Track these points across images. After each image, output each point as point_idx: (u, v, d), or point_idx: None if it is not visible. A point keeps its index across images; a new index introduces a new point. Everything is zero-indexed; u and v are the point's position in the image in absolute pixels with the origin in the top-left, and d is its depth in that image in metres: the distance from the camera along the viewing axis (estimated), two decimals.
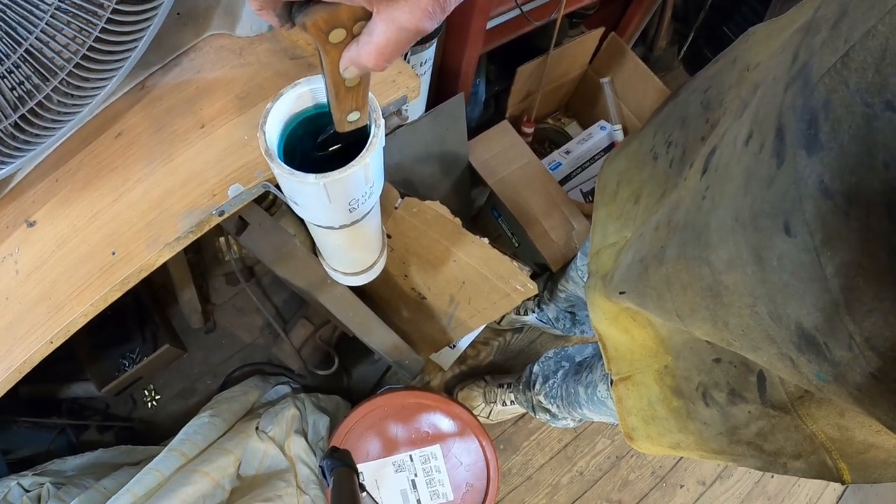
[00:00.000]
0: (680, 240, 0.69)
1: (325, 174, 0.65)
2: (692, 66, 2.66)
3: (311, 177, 0.65)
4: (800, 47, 0.50)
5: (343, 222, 0.81)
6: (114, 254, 0.88)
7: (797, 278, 0.47)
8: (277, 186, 0.87)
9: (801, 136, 0.45)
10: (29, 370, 0.88)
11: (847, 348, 0.45)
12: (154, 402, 1.96)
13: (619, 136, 2.14)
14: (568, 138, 2.29)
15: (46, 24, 0.70)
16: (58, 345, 0.88)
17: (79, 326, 0.88)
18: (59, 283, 0.88)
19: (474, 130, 1.89)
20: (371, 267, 1.12)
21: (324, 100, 0.71)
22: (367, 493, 1.11)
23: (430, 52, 1.25)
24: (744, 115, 0.61)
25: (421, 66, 1.28)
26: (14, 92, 0.75)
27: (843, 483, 0.71)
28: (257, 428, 1.56)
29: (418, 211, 1.26)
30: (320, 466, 1.11)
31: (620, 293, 0.89)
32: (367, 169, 0.68)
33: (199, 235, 0.91)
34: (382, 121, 0.68)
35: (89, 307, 0.86)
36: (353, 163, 0.65)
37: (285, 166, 0.65)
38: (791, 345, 0.52)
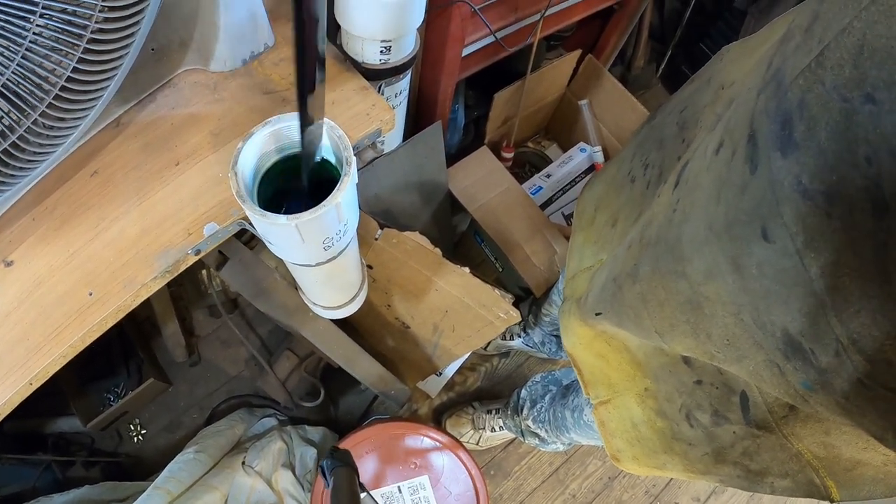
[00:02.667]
0: (653, 255, 0.69)
1: (297, 215, 0.65)
2: (670, 83, 2.69)
3: (282, 218, 0.65)
4: (774, 56, 0.50)
5: (319, 260, 0.81)
6: (91, 294, 0.87)
7: (779, 284, 0.47)
8: (252, 224, 0.87)
9: (775, 139, 0.45)
10: (9, 412, 0.87)
11: (833, 353, 0.45)
12: (140, 437, 1.93)
13: (600, 157, 2.15)
14: (548, 161, 2.29)
15: (22, 57, 0.70)
16: (38, 386, 0.87)
17: (58, 367, 0.87)
18: (37, 323, 0.87)
19: (454, 156, 1.89)
20: (352, 300, 1.12)
21: (297, 136, 0.71)
22: (368, 493, 1.11)
23: (404, 83, 1.25)
24: (716, 128, 0.61)
25: (396, 97, 1.28)
26: None
27: (831, 501, 0.70)
28: (244, 463, 1.54)
29: (398, 242, 1.26)
30: (320, 466, 1.11)
31: (596, 314, 0.89)
32: (340, 208, 0.68)
33: (175, 275, 0.90)
34: (354, 158, 0.68)
35: (68, 348, 0.86)
36: (324, 203, 0.65)
37: (256, 208, 0.65)
38: (777, 351, 0.52)
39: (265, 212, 0.65)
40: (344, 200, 0.68)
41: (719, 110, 0.74)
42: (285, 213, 0.66)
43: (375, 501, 1.15)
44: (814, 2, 0.45)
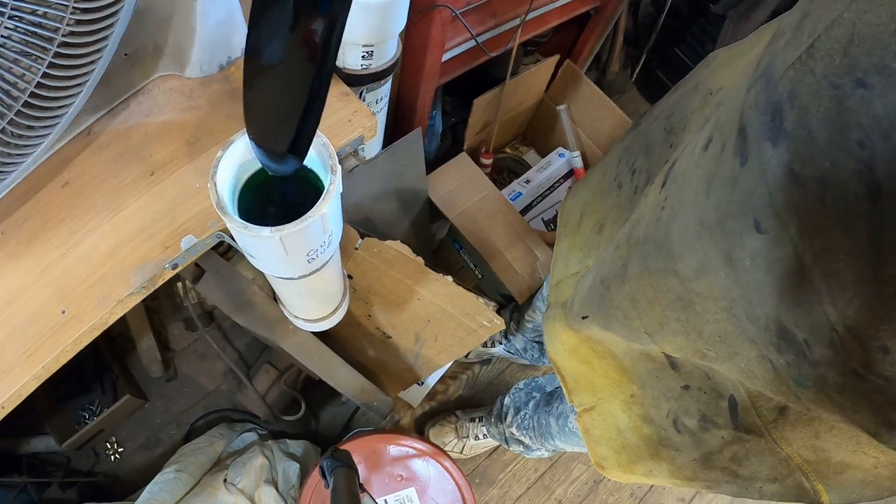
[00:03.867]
0: (641, 254, 0.69)
1: (281, 227, 0.62)
2: (645, 88, 2.70)
3: (265, 230, 0.62)
4: (763, 55, 0.51)
5: (302, 273, 0.78)
6: (64, 312, 0.84)
7: (774, 274, 0.48)
8: (232, 236, 0.84)
9: (765, 130, 0.46)
10: None
11: (828, 343, 0.45)
12: (117, 455, 1.89)
13: (578, 162, 2.14)
14: (527, 167, 2.29)
15: None
16: (10, 409, 0.84)
17: (31, 390, 0.84)
18: (8, 344, 0.84)
19: (432, 163, 1.88)
20: (334, 312, 1.10)
21: None
22: (368, 493, 1.09)
23: (385, 89, 1.24)
24: (704, 128, 0.62)
25: (377, 102, 1.26)
26: None
27: None
28: (225, 480, 1.51)
29: (379, 251, 1.24)
30: (320, 466, 1.10)
31: (583, 318, 0.89)
32: (325, 219, 0.66)
33: (151, 291, 0.88)
34: (339, 168, 0.66)
35: (41, 369, 0.83)
36: (309, 214, 0.63)
37: (238, 220, 0.63)
38: (771, 346, 0.52)
39: (247, 224, 0.63)
40: (329, 211, 0.65)
41: (708, 113, 0.75)
42: (266, 224, 0.64)
43: (375, 501, 1.14)
44: (804, 2, 0.46)
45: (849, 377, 0.46)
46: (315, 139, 0.66)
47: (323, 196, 0.64)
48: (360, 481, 1.07)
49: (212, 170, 0.65)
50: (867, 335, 0.43)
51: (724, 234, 0.52)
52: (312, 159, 0.70)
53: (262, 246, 0.67)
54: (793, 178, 0.43)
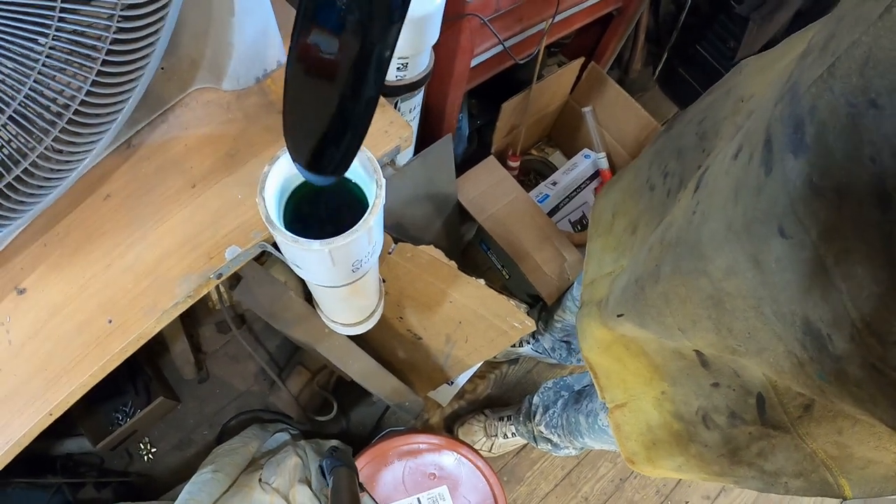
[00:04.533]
0: (674, 256, 0.71)
1: (330, 241, 0.64)
2: (667, 85, 2.70)
3: (315, 244, 0.64)
4: (793, 71, 0.53)
5: (346, 281, 0.80)
6: (110, 322, 0.86)
7: (798, 274, 0.50)
8: (274, 245, 0.86)
9: (788, 142, 0.49)
10: (28, 443, 0.85)
11: (849, 339, 0.48)
12: (150, 456, 1.92)
13: (604, 163, 2.14)
14: (552, 168, 2.29)
15: (35, 81, 0.67)
16: (57, 416, 0.85)
17: (78, 397, 0.86)
18: (55, 353, 0.85)
19: (459, 166, 1.88)
20: (370, 316, 1.11)
21: None
22: (368, 493, 1.11)
23: (418, 98, 1.25)
24: (736, 136, 0.64)
25: (410, 112, 1.28)
26: (2, 151, 0.71)
27: (844, 499, 0.73)
28: (260, 479, 1.53)
29: (412, 256, 1.26)
30: (320, 466, 1.11)
31: (618, 316, 0.90)
32: (371, 231, 0.67)
33: (196, 300, 0.89)
34: (384, 181, 0.67)
35: (88, 378, 0.84)
36: (356, 227, 0.64)
37: (288, 234, 0.64)
38: (796, 342, 0.55)
39: (298, 238, 0.64)
40: (375, 223, 0.67)
41: (739, 121, 0.77)
42: (309, 234, 0.65)
43: (375, 501, 1.15)
44: (832, 22, 0.49)
45: (867, 371, 0.49)
46: (359, 154, 0.67)
47: (370, 209, 0.65)
48: (360, 481, 1.07)
49: (259, 184, 0.67)
50: (883, 331, 0.45)
51: (751, 238, 0.55)
52: (354, 170, 0.71)
53: (310, 258, 0.69)
54: (812, 188, 0.46)
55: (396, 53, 1.06)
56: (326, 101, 0.55)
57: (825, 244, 0.46)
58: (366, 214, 0.65)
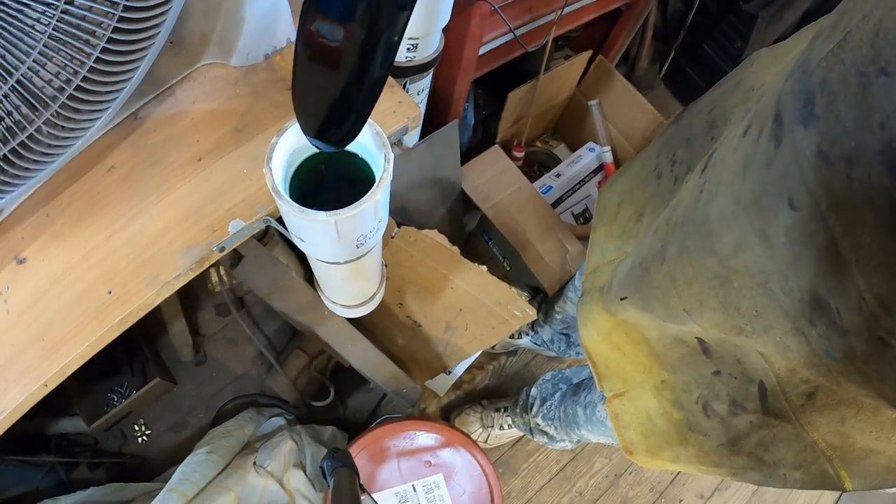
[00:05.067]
0: (680, 235, 0.71)
1: (336, 212, 0.63)
2: (674, 83, 2.69)
3: (321, 214, 0.63)
4: (805, 51, 0.53)
5: (349, 257, 0.79)
6: (110, 293, 0.85)
7: (807, 247, 0.51)
8: (279, 220, 0.85)
9: (798, 115, 0.49)
10: (23, 414, 0.85)
11: (857, 311, 0.48)
12: (145, 437, 1.92)
13: (608, 157, 2.15)
14: (556, 160, 2.29)
15: (39, 52, 0.67)
16: (53, 387, 0.85)
17: (74, 368, 0.85)
18: (53, 323, 0.85)
19: (464, 155, 1.88)
20: (371, 298, 1.10)
21: None
22: (368, 494, 1.10)
23: (427, 81, 1.25)
24: (745, 118, 0.65)
25: (418, 94, 1.28)
26: (2, 123, 0.71)
27: (844, 491, 0.76)
28: (255, 463, 1.53)
29: (415, 240, 1.25)
30: (321, 467, 1.11)
31: (622, 299, 0.91)
32: (377, 205, 0.67)
33: (198, 272, 0.89)
34: (392, 155, 0.67)
35: (86, 349, 0.84)
36: (363, 199, 0.64)
37: (294, 204, 0.64)
38: (803, 318, 0.55)
39: (304, 208, 0.63)
40: (381, 197, 0.66)
41: (750, 106, 0.76)
42: (317, 209, 0.65)
43: (375, 502, 1.15)
44: (844, 3, 0.50)
45: (875, 345, 0.49)
46: (369, 127, 0.67)
47: (377, 182, 0.65)
48: (361, 481, 1.07)
49: (267, 154, 0.66)
50: (891, 302, 0.45)
51: (760, 212, 0.55)
52: (362, 146, 0.71)
53: (315, 230, 0.68)
54: (823, 157, 0.46)
55: (407, 34, 1.06)
56: (337, 79, 0.56)
57: (834, 215, 0.47)
58: (373, 187, 0.65)
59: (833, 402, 0.67)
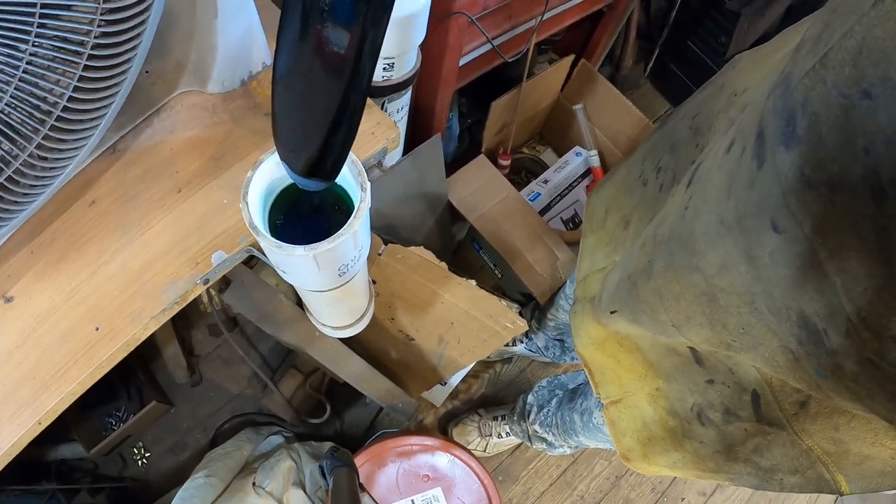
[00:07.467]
0: (666, 251, 0.71)
1: (314, 246, 0.63)
2: (659, 81, 2.70)
3: (299, 249, 0.63)
4: (788, 63, 0.52)
5: (333, 285, 0.79)
6: (97, 329, 0.85)
7: (793, 269, 0.50)
8: (262, 250, 0.85)
9: (780, 134, 0.48)
10: (18, 453, 0.84)
11: (844, 333, 0.47)
12: (144, 460, 1.91)
13: (595, 161, 2.14)
14: (544, 166, 2.29)
15: (19, 80, 0.66)
16: (46, 425, 0.85)
17: (67, 405, 0.85)
18: (43, 361, 0.84)
19: (450, 165, 1.88)
20: (360, 319, 1.10)
21: None
22: (368, 493, 1.10)
23: (406, 98, 1.25)
24: (729, 131, 0.64)
25: (398, 112, 1.27)
26: None
27: (841, 494, 0.73)
28: (254, 484, 1.52)
29: (402, 257, 1.25)
30: (320, 466, 1.11)
31: (612, 312, 0.90)
32: (356, 235, 0.67)
33: (183, 306, 0.89)
34: (369, 184, 0.66)
35: (77, 385, 0.84)
36: (341, 232, 0.64)
37: (272, 239, 0.64)
38: (791, 337, 0.54)
39: (281, 243, 0.63)
40: (360, 227, 0.66)
41: (733, 115, 0.77)
42: (295, 239, 0.64)
43: (375, 502, 1.14)
44: (825, 13, 0.48)
45: (864, 366, 0.48)
46: None
47: (354, 213, 0.65)
48: (360, 481, 1.07)
49: (243, 190, 0.66)
50: (879, 325, 0.44)
51: (744, 233, 0.54)
52: (341, 175, 0.71)
53: (295, 263, 0.68)
54: (804, 180, 0.45)
55: (382, 54, 1.06)
56: (317, 101, 0.55)
57: (819, 238, 0.46)
58: (350, 219, 0.65)
59: (826, 411, 0.67)
